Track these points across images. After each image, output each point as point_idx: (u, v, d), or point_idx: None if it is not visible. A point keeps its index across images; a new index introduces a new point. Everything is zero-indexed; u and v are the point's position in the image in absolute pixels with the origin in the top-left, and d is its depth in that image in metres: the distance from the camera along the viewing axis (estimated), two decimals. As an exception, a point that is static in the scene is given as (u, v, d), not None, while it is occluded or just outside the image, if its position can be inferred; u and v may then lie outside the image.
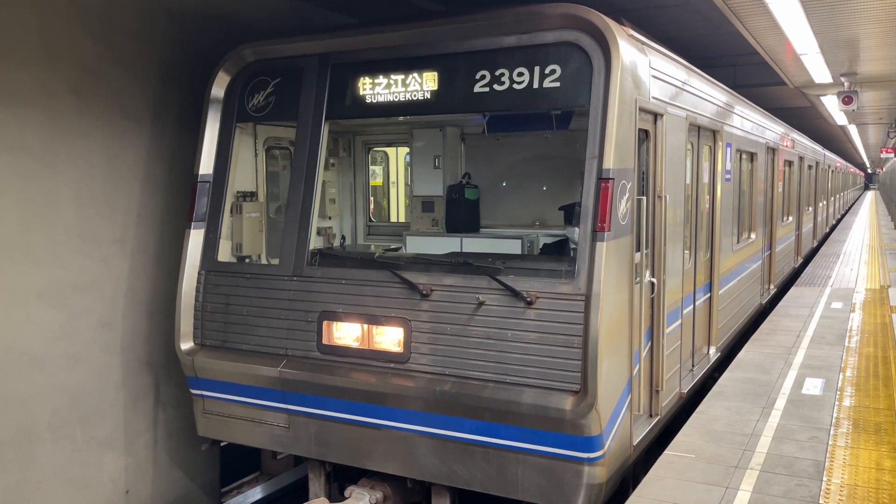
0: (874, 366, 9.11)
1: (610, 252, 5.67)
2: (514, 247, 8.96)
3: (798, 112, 23.20)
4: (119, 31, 7.36)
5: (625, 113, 5.85)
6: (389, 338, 6.42)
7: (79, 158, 7.11)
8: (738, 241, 11.05)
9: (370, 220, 11.06)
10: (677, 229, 7.63)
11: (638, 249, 6.39)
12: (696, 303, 8.63)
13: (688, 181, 8.04)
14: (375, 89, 6.72)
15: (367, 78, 6.74)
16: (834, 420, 7.13)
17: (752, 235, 12.24)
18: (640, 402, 6.58)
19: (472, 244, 9.22)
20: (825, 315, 12.31)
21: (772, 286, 14.49)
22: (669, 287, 7.33)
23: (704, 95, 8.62)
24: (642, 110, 6.32)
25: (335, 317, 6.63)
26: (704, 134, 8.81)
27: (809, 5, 9.19)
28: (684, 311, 8.02)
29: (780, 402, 7.65)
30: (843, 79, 14.96)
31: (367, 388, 6.42)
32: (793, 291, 14.86)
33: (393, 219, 11.80)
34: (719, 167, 9.31)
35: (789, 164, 16.64)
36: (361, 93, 6.78)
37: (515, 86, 6.11)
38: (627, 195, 5.95)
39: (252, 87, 7.38)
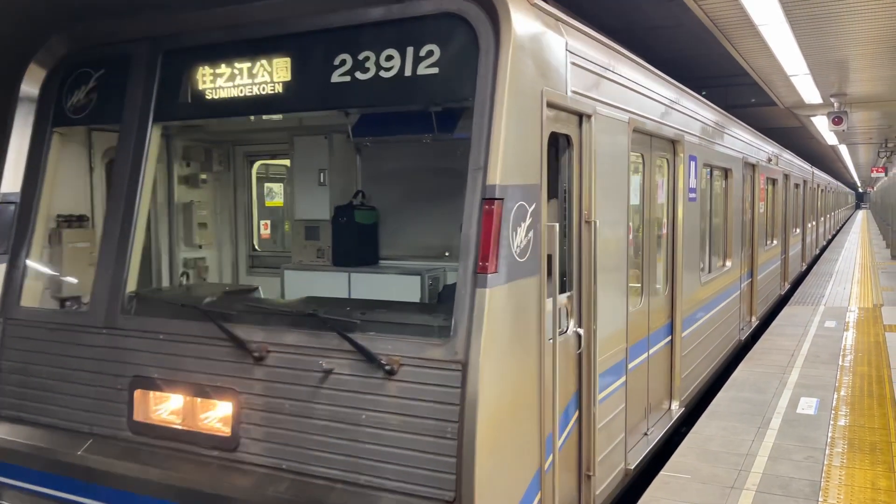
0: (868, 385, 9.12)
1: (498, 300, 4.10)
2: (411, 285, 6.98)
3: (789, 132, 23.42)
4: None
5: (524, 108, 4.42)
6: (215, 415, 4.86)
7: None
8: (708, 271, 9.57)
9: (253, 249, 8.86)
10: (616, 263, 6.00)
11: (562, 292, 5.11)
12: (651, 351, 7.12)
13: (634, 202, 6.59)
14: (216, 82, 5.24)
15: (205, 67, 5.28)
16: (829, 440, 7.13)
17: (728, 263, 10.71)
18: (556, 499, 4.85)
19: (362, 282, 7.29)
20: (819, 334, 12.34)
21: (754, 318, 12.99)
22: (605, 337, 5.71)
23: (657, 97, 7.08)
24: (555, 107, 4.86)
25: (149, 384, 5.04)
26: (659, 144, 7.35)
27: (799, 27, 9.31)
28: (631, 365, 6.46)
29: (776, 422, 7.65)
30: (833, 99, 15.14)
31: (183, 484, 4.76)
32: (786, 310, 14.90)
33: (287, 247, 9.23)
34: (681, 184, 7.83)
35: (772, 182, 15.21)
36: (199, 87, 5.30)
37: (382, 73, 4.63)
38: (529, 221, 4.40)
39: (72, 81, 5.92)
